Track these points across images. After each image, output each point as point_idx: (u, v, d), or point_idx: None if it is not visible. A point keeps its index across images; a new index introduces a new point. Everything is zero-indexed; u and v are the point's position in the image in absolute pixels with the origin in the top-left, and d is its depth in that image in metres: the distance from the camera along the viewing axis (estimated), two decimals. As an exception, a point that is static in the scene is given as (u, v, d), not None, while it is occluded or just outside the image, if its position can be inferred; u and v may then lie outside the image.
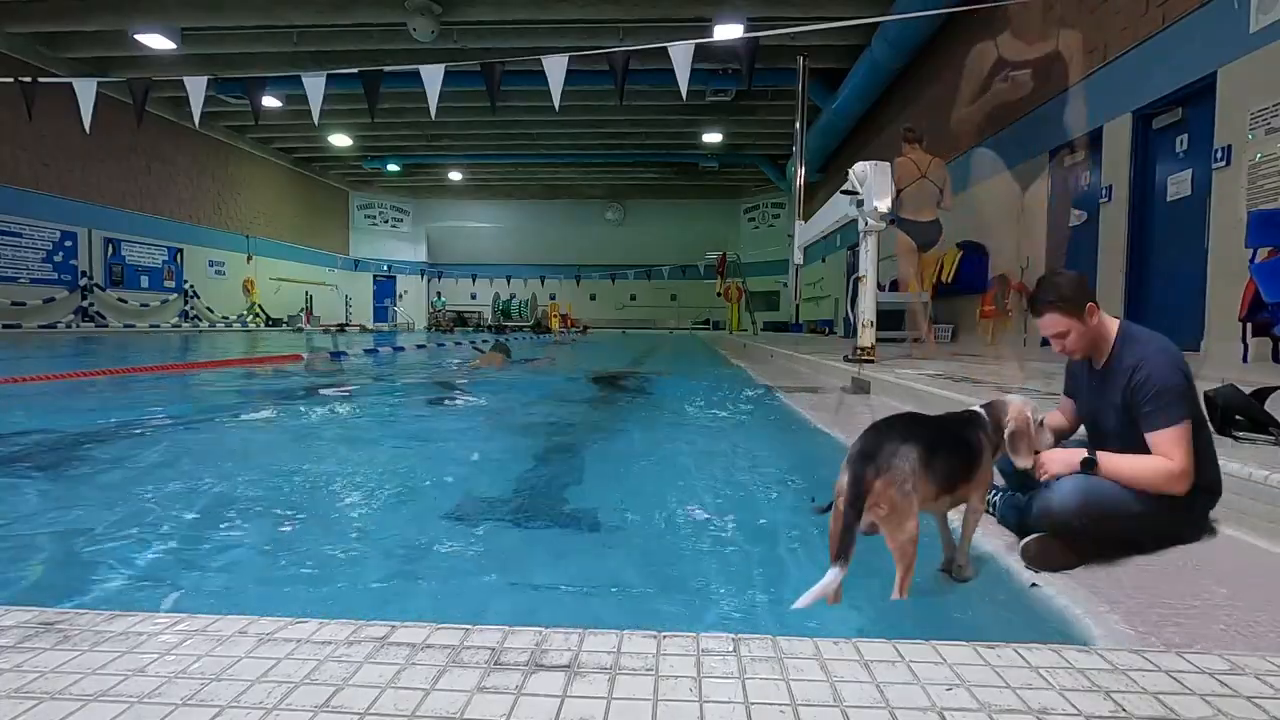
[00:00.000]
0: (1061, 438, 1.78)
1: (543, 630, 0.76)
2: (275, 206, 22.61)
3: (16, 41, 12.88)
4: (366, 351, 10.39)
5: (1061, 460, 1.53)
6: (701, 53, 7.15)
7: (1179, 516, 1.56)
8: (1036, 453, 1.55)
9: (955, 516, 1.54)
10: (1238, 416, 2.11)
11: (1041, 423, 1.55)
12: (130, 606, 0.98)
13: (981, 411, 1.52)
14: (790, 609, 1.18)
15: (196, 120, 8.66)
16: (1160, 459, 1.49)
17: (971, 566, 1.49)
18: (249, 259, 21.00)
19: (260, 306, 20.91)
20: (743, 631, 0.83)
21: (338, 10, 11.90)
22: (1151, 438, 1.52)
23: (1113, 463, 1.51)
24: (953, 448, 1.41)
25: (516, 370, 7.70)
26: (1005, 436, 1.48)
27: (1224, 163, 5.45)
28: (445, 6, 11.67)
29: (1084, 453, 1.52)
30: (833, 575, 1.19)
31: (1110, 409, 1.63)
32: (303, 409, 4.40)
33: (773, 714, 0.60)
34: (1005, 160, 9.29)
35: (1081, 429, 1.85)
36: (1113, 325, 1.67)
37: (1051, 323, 1.64)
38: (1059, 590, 1.33)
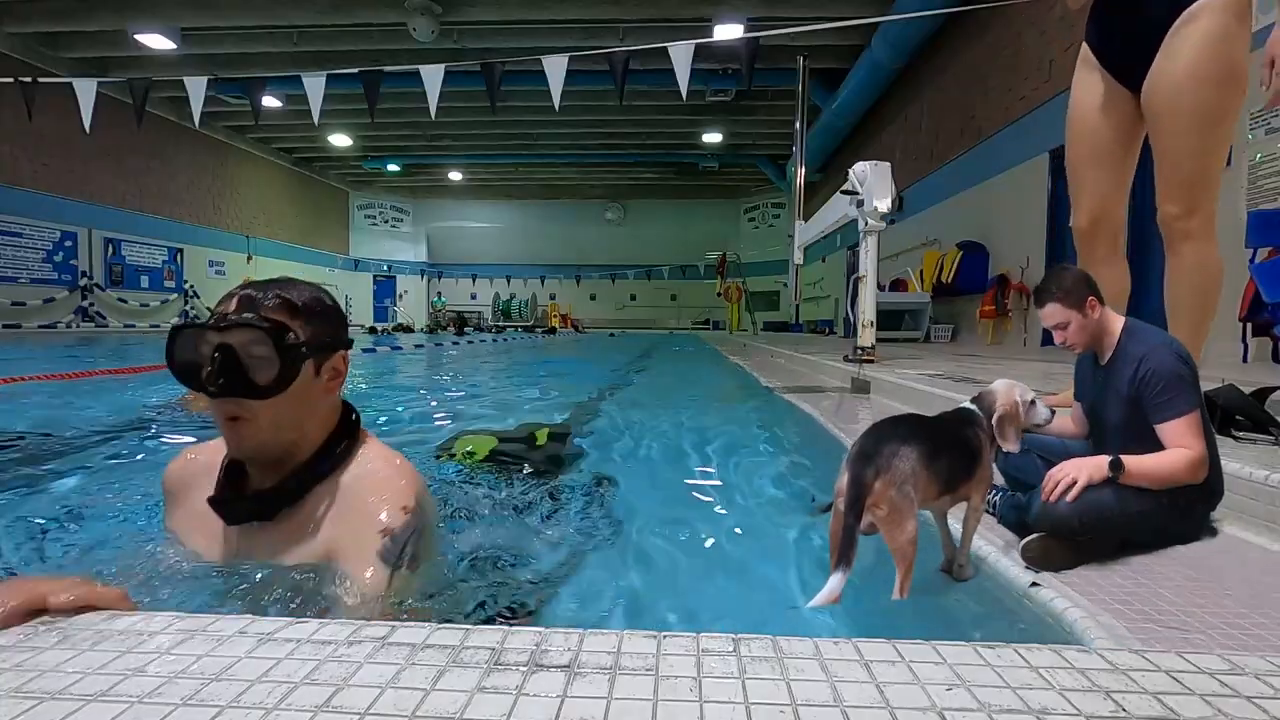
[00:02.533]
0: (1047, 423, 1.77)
1: (543, 630, 0.76)
2: (275, 206, 22.62)
3: (16, 41, 12.88)
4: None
5: (1092, 464, 1.49)
6: (701, 53, 7.16)
7: (1180, 516, 1.56)
8: (1037, 428, 1.57)
9: (955, 516, 1.54)
10: (1238, 416, 2.12)
11: (1033, 401, 1.55)
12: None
13: (974, 407, 1.52)
14: (805, 608, 1.20)
15: (196, 120, 8.66)
16: (1180, 450, 1.50)
17: (971, 566, 1.49)
18: (249, 259, 21.00)
19: (260, 306, 20.91)
20: (743, 631, 0.83)
21: (338, 10, 11.91)
22: (1164, 428, 1.53)
23: (1139, 463, 1.49)
24: (952, 447, 1.41)
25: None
26: (993, 422, 1.47)
27: (1224, 163, 5.45)
28: (445, 6, 11.67)
29: (1107, 458, 1.51)
30: (838, 579, 1.20)
31: (1115, 402, 1.64)
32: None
33: (773, 714, 0.60)
34: (1007, 159, 9.30)
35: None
36: (1117, 321, 1.70)
37: (1052, 313, 1.68)
38: (1059, 590, 1.33)
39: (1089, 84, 2.36)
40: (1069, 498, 1.46)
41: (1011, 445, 1.47)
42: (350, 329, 1.34)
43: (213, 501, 1.16)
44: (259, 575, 1.14)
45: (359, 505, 1.17)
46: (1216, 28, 2.02)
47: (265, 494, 1.17)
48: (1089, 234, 2.42)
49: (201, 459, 1.29)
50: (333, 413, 1.26)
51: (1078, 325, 1.67)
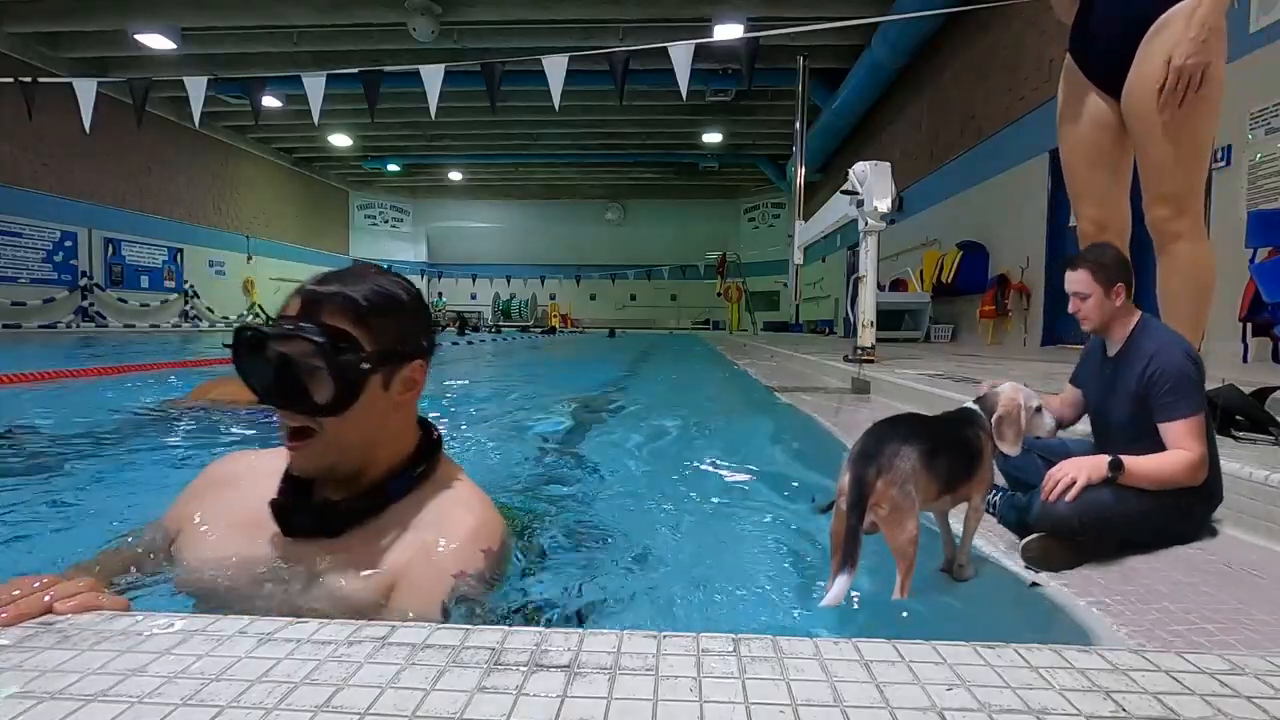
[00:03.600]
0: (1059, 428, 1.76)
1: (543, 631, 0.76)
2: (275, 206, 22.61)
3: (16, 41, 12.88)
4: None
5: (1091, 464, 1.50)
6: (701, 53, 7.15)
7: (1179, 516, 1.56)
8: (1038, 437, 1.55)
9: (956, 516, 1.54)
10: (1238, 416, 2.12)
11: (1039, 409, 1.54)
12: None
13: (976, 408, 1.51)
14: (817, 607, 1.20)
15: (196, 120, 8.66)
16: (1181, 451, 1.50)
17: (972, 566, 1.49)
18: (249, 259, 21.00)
19: (260, 306, 20.92)
20: (743, 631, 0.83)
21: (338, 10, 11.91)
22: (1167, 428, 1.53)
23: (1138, 464, 1.50)
24: (953, 446, 1.41)
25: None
26: (992, 422, 1.46)
27: (1224, 163, 5.45)
28: (445, 6, 11.67)
29: (1106, 457, 1.51)
30: (844, 581, 1.20)
31: (1121, 397, 1.64)
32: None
33: (773, 714, 0.60)
34: (1006, 159, 9.30)
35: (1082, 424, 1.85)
36: (1134, 314, 1.70)
37: (1080, 279, 1.68)
38: (1059, 590, 1.33)
39: (1073, 92, 2.38)
40: (1069, 498, 1.46)
41: (1009, 447, 1.46)
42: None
43: (274, 505, 1.03)
44: (309, 594, 1.01)
45: (437, 539, 1.03)
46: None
47: (334, 507, 1.04)
48: (1094, 238, 2.39)
49: (260, 463, 1.16)
50: (407, 430, 1.13)
51: (1097, 301, 1.66)
